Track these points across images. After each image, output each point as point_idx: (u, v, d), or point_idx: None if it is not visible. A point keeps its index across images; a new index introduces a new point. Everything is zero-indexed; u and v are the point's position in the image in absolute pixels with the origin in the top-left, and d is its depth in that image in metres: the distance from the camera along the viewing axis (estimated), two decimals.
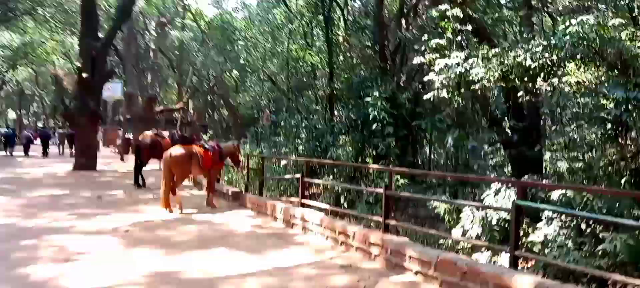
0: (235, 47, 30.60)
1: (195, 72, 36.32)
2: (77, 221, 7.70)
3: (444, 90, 7.65)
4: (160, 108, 30.62)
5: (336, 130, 13.31)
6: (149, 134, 13.68)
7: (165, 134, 14.17)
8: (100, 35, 18.53)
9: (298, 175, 8.37)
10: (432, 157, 16.21)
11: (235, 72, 34.62)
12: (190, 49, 36.03)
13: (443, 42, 8.15)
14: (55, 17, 29.24)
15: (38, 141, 29.20)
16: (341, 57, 19.43)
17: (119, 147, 26.56)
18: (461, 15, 8.11)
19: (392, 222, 6.29)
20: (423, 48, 9.03)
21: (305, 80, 24.39)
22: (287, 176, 10.42)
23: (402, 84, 15.92)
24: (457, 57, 7.48)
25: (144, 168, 12.86)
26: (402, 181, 10.76)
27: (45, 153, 25.37)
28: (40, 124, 49.26)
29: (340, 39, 21.11)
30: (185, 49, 36.73)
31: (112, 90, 26.32)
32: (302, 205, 8.05)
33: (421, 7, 19.25)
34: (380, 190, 6.44)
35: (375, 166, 9.25)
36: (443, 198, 9.61)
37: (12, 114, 55.19)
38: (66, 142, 26.01)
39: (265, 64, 29.51)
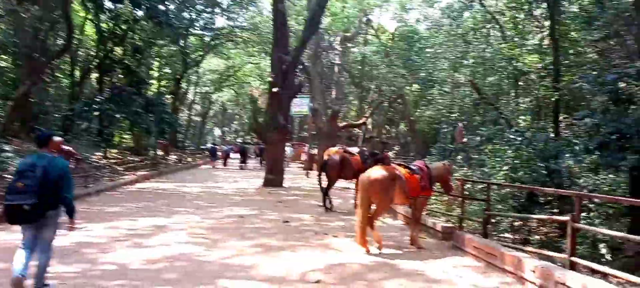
0: (419, 57, 28.34)
1: (376, 87, 35.18)
2: (260, 257, 6.26)
3: None
4: (342, 124, 30.06)
5: (579, 149, 9.59)
6: (335, 150, 12.19)
7: (354, 150, 12.49)
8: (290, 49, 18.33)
9: (565, 218, 5.42)
10: None
11: (415, 85, 32.36)
12: (372, 64, 35.14)
13: None
14: (251, 38, 31.54)
15: (237, 155, 32.50)
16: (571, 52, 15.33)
17: (304, 163, 26.78)
18: None
19: None
20: None
21: (505, 85, 20.63)
22: (541, 216, 7.18)
23: None
24: None
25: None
26: None
27: (242, 166, 28.55)
28: (239, 140, 54.98)
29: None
30: (368, 63, 36.03)
31: (300, 106, 26.62)
32: (572, 266, 5.13)
33: None
34: None
35: None
36: None
37: (217, 131, 63.14)
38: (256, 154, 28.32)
39: (454, 72, 26.50)
